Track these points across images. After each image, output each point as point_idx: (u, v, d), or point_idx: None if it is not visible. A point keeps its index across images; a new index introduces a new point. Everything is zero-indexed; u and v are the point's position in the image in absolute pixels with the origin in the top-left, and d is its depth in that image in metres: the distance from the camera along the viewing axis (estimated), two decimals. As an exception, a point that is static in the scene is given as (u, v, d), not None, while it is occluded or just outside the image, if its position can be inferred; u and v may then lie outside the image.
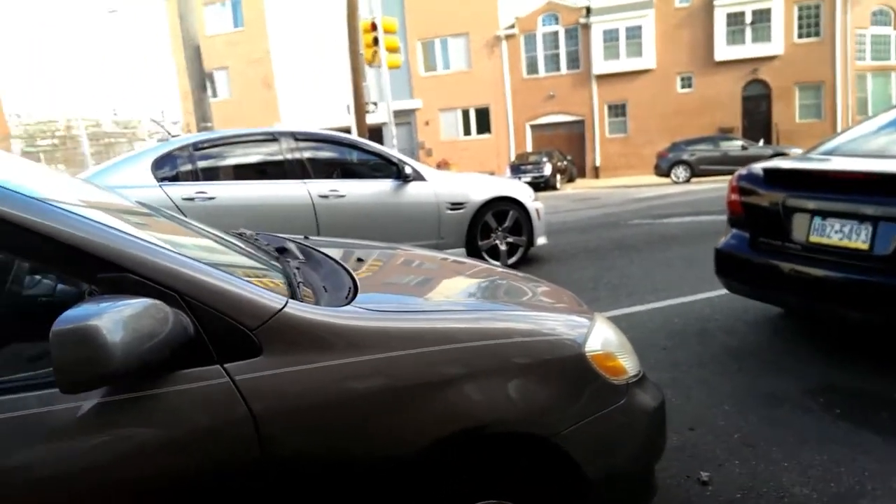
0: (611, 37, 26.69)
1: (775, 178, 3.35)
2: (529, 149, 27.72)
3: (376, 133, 24.06)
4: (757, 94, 25.63)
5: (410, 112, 29.25)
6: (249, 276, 1.39)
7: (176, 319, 1.14)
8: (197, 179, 5.28)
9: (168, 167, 5.21)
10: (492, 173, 26.67)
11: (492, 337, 1.48)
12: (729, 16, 25.23)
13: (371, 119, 16.98)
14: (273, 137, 5.63)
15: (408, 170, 5.94)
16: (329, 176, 5.75)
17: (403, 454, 1.31)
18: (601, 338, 1.68)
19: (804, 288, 3.12)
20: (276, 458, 1.21)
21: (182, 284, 1.19)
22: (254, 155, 5.61)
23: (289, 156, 5.57)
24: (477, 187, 6.30)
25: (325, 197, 5.54)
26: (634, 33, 26.42)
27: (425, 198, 5.97)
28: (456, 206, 6.11)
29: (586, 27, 26.93)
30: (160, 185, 5.08)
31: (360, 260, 2.02)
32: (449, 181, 6.22)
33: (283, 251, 1.95)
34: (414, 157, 27.29)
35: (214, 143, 5.50)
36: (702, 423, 2.74)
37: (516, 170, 22.52)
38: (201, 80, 11.28)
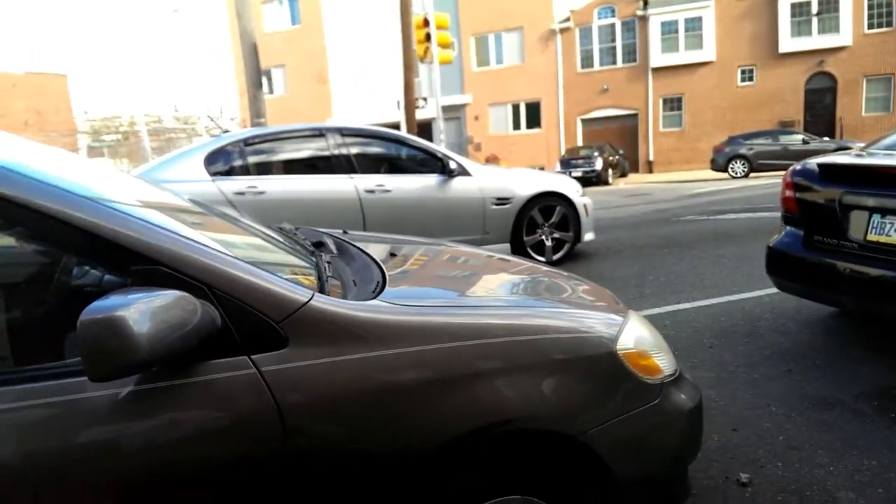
0: (669, 29, 26.02)
1: (832, 174, 3.21)
2: (580, 143, 27.33)
3: (425, 128, 24.15)
4: (821, 87, 24.55)
5: (460, 107, 29.25)
6: (280, 270, 1.43)
7: (204, 311, 1.18)
8: (248, 174, 5.41)
9: (220, 162, 5.36)
10: (541, 168, 26.42)
11: (523, 333, 1.48)
12: (793, 6, 24.21)
13: (420, 114, 17.06)
14: (320, 133, 5.72)
15: (453, 165, 5.95)
16: (375, 171, 5.82)
17: (427, 447, 1.32)
18: (634, 335, 1.66)
19: (860, 288, 2.99)
20: (299, 449, 1.24)
21: (211, 277, 1.24)
22: (302, 150, 5.71)
23: (336, 151, 5.66)
24: (523, 182, 6.26)
25: (372, 192, 5.61)
26: (694, 25, 25.67)
27: (470, 193, 5.98)
28: (501, 201, 6.11)
29: (644, 19, 26.32)
30: (213, 180, 5.26)
31: (392, 255, 2.04)
32: (494, 176, 6.20)
33: (319, 245, 1.99)
34: (462, 151, 27.30)
35: (264, 138, 5.63)
36: (746, 425, 2.67)
37: (566, 164, 22.25)
38: (257, 78, 11.56)
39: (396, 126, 17.45)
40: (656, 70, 26.46)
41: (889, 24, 23.30)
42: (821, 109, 24.65)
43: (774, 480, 2.24)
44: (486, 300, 1.65)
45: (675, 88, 26.56)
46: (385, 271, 1.72)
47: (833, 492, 2.14)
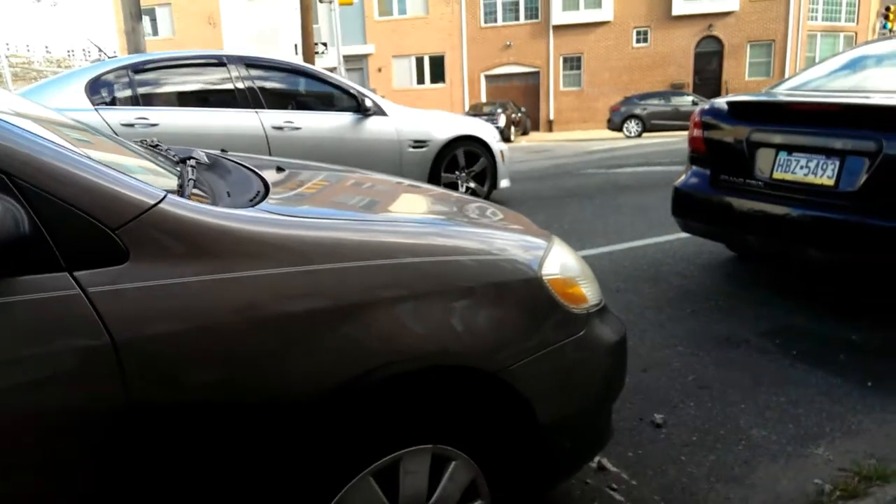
0: (570, -14, 26.20)
1: (741, 112, 3.17)
2: (484, 100, 27.23)
3: (326, 77, 23.14)
4: (709, 51, 25.70)
5: (362, 57, 28.27)
6: (125, 170, 1.09)
7: (3, 209, 0.85)
8: (137, 104, 4.82)
9: (105, 90, 4.76)
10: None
11: (434, 254, 1.24)
12: (688, -31, 25.00)
13: (321, 63, 16.27)
14: (221, 62, 5.16)
15: (368, 103, 5.56)
16: (283, 107, 5.33)
17: (318, 393, 1.06)
18: (559, 261, 1.46)
19: (765, 226, 2.98)
20: (147, 405, 0.93)
21: (14, 164, 0.89)
22: (200, 80, 5.12)
23: (239, 84, 5.14)
24: (440, 125, 5.96)
25: (280, 129, 5.14)
26: (594, -17, 25.98)
27: (387, 134, 5.62)
28: (418, 143, 5.79)
29: (546, -25, 26.30)
30: (95, 109, 4.62)
31: (280, 169, 1.73)
32: (412, 117, 5.85)
33: (187, 159, 1.64)
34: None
35: (157, 64, 5.01)
36: (655, 365, 2.60)
37: (470, 120, 22.08)
38: (136, 8, 10.45)
39: (294, 72, 16.53)
40: (557, 28, 26.65)
41: (773, -9, 24.60)
42: (709, 72, 25.86)
43: (688, 420, 2.17)
44: (392, 217, 1.39)
45: (574, 47, 26.90)
46: (269, 183, 1.41)
47: (746, 429, 2.09)
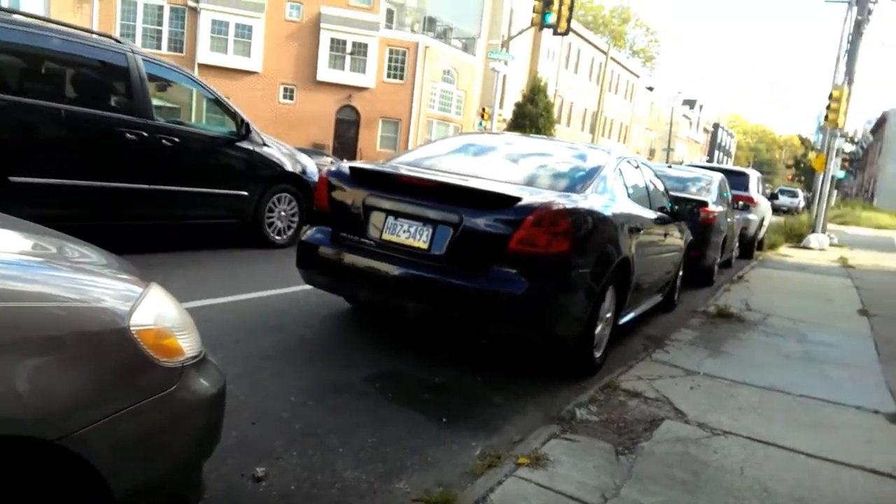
0: (220, 29, 25.81)
1: (360, 178, 3.49)
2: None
3: None
4: (349, 119, 28.00)
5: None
6: None
7: None
8: None
9: None
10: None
11: (6, 299, 1.05)
12: (333, 41, 27.03)
13: None
14: None
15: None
16: None
17: None
18: (154, 311, 1.36)
19: (374, 281, 3.30)
20: None
21: None
22: None
23: None
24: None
25: None
26: (244, 32, 26.08)
27: None
28: None
29: (195, 11, 25.43)
30: None
31: None
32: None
33: None
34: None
35: None
36: (265, 417, 2.60)
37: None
38: None
39: None
40: (203, 66, 25.82)
41: (402, 77, 28.19)
42: (347, 138, 28.08)
43: (290, 470, 2.21)
44: None
45: (221, 90, 26.11)
46: None
47: (341, 472, 2.22)
